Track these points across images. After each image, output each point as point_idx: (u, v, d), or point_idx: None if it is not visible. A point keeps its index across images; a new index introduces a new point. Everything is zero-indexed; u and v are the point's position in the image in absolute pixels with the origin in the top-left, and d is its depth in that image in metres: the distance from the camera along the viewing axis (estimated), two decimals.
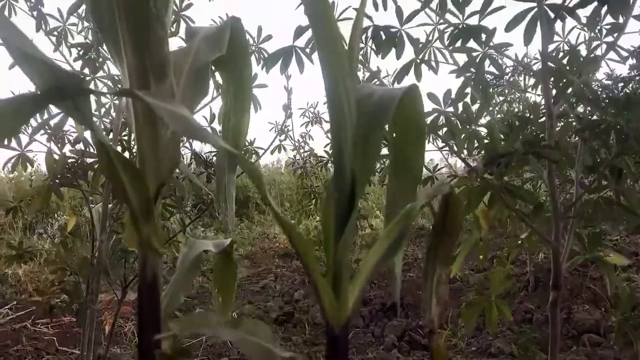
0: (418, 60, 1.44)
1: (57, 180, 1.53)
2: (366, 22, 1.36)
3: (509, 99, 2.98)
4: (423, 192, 0.58)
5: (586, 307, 2.89)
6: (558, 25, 1.23)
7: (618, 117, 1.11)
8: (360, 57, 1.50)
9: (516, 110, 2.98)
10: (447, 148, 1.38)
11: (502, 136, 1.20)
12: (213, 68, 0.72)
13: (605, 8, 1.12)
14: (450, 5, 1.30)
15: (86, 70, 1.74)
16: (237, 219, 6.19)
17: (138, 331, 0.59)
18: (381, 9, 1.46)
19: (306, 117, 3.65)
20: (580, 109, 1.41)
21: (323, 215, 0.52)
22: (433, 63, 1.45)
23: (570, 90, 1.22)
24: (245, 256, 4.85)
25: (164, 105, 0.43)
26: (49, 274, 2.53)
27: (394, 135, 0.60)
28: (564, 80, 1.22)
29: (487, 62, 1.30)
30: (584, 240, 1.31)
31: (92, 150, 1.60)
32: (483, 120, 1.32)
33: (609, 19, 1.27)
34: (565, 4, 1.14)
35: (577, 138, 1.26)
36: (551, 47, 1.25)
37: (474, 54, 1.29)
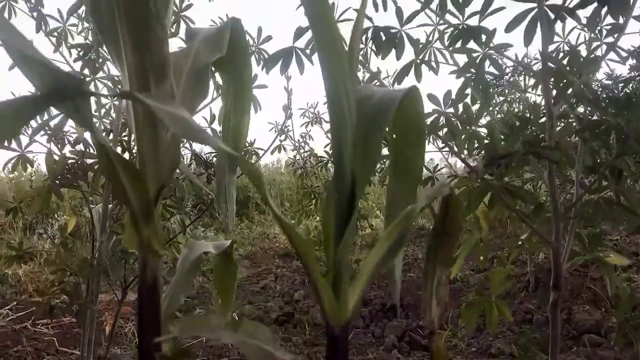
0: (418, 61, 1.44)
1: (57, 181, 1.53)
2: (366, 23, 1.36)
3: (509, 99, 2.98)
4: (423, 193, 0.58)
5: (586, 308, 2.88)
6: (558, 25, 1.23)
7: (618, 118, 1.11)
8: (360, 58, 1.50)
9: (516, 110, 2.99)
10: (447, 148, 1.38)
11: (502, 137, 1.20)
12: (213, 69, 0.72)
13: (605, 9, 1.12)
14: (450, 6, 1.30)
15: (86, 71, 1.74)
16: (237, 219, 6.19)
17: (138, 333, 0.59)
18: (381, 10, 1.46)
19: (306, 117, 3.66)
20: (580, 109, 1.40)
21: (323, 215, 0.52)
22: (433, 64, 1.45)
23: (570, 90, 1.22)
24: (245, 256, 4.84)
25: (164, 107, 0.43)
26: (49, 275, 2.53)
27: (394, 136, 0.60)
28: (564, 81, 1.22)
29: (487, 62, 1.30)
30: (584, 240, 1.31)
31: (92, 151, 1.60)
32: (483, 121, 1.32)
33: (609, 20, 1.27)
34: (566, 4, 1.14)
35: (577, 138, 1.26)
36: (551, 47, 1.26)
37: (474, 54, 1.29)
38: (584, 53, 1.36)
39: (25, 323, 2.88)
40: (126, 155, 1.70)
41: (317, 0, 0.49)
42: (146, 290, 0.58)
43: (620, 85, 1.56)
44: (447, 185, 0.55)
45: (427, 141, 1.05)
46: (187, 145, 1.93)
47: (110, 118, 1.82)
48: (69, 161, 1.58)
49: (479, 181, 1.15)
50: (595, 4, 1.12)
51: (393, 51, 1.37)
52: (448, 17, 1.33)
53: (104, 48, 1.71)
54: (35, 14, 1.78)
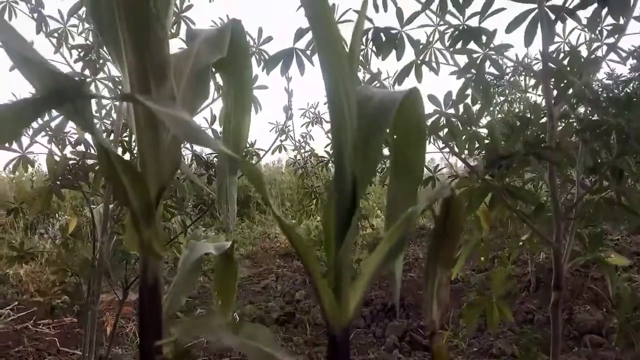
0: (419, 62, 1.44)
1: (58, 182, 1.53)
2: (367, 24, 1.36)
3: (509, 99, 2.97)
4: (424, 194, 0.58)
5: (588, 308, 2.88)
6: (559, 26, 1.23)
7: (619, 118, 1.11)
8: (360, 59, 1.50)
9: (517, 110, 2.98)
10: (447, 149, 1.38)
11: (502, 137, 1.20)
12: (213, 70, 0.72)
13: (605, 9, 1.12)
14: (450, 7, 1.30)
15: (87, 72, 1.74)
16: (238, 218, 6.19)
17: (139, 333, 0.59)
18: (382, 11, 1.46)
19: (307, 118, 3.66)
20: (581, 109, 1.40)
21: (324, 216, 0.52)
22: (434, 64, 1.45)
23: (571, 91, 1.22)
24: (246, 256, 4.85)
25: (165, 109, 0.43)
26: (51, 275, 2.53)
27: (395, 137, 0.60)
28: (565, 81, 1.22)
29: (487, 63, 1.30)
30: (585, 240, 1.30)
31: (93, 151, 1.60)
32: (484, 121, 1.32)
33: (609, 20, 1.27)
34: (566, 5, 1.14)
35: (578, 139, 1.26)
36: (552, 48, 1.25)
37: (475, 55, 1.29)
38: (584, 53, 1.36)
39: (26, 323, 2.89)
40: (127, 156, 1.70)
41: (317, 1, 0.49)
42: (147, 291, 0.58)
43: (620, 85, 1.56)
44: (448, 186, 0.55)
45: (427, 141, 1.05)
46: (188, 145, 1.93)
47: (111, 119, 1.82)
48: (70, 162, 1.59)
49: (479, 182, 1.15)
50: (596, 5, 1.11)
51: (393, 52, 1.37)
52: (448, 17, 1.33)
53: (105, 49, 1.71)
54: (35, 15, 1.78)
